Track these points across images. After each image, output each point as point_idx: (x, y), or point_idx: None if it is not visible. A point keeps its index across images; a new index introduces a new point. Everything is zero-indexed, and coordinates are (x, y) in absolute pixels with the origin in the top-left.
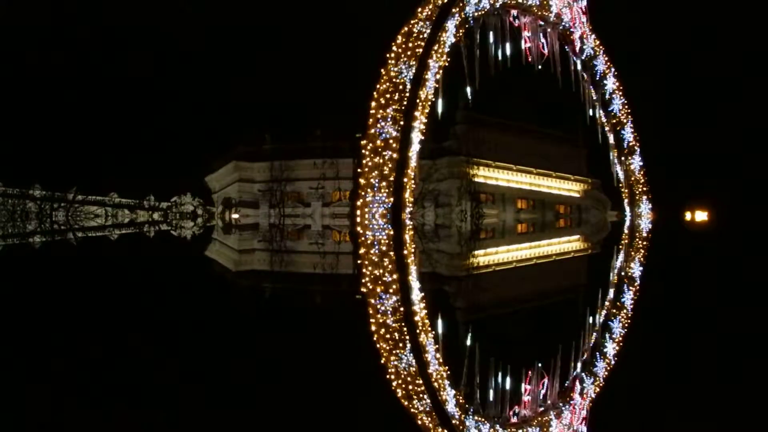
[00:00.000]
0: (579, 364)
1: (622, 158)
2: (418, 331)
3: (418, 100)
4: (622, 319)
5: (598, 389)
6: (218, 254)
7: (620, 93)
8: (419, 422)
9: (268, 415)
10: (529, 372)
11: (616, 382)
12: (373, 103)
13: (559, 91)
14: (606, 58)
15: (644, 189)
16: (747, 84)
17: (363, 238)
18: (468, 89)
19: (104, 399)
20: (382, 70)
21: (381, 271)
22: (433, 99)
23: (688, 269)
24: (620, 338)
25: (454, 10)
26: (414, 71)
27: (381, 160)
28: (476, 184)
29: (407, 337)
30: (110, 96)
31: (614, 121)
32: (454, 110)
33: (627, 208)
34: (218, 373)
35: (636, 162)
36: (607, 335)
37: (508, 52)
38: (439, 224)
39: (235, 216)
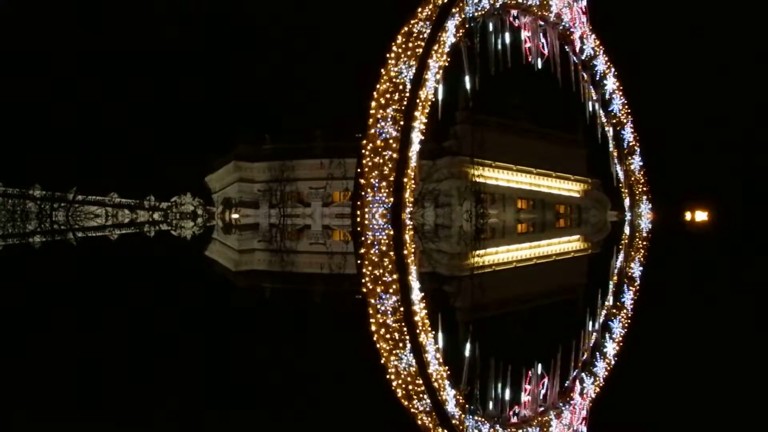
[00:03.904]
0: (579, 364)
1: (622, 158)
2: (418, 331)
3: (418, 100)
4: (622, 319)
5: (598, 389)
6: (218, 254)
7: (620, 93)
8: (419, 422)
9: (268, 415)
10: (529, 372)
11: (616, 382)
12: (373, 103)
13: (559, 91)
14: (606, 58)
15: (644, 189)
16: (747, 83)
17: (363, 238)
18: (468, 89)
19: (104, 399)
20: (382, 70)
21: (381, 271)
22: (433, 99)
23: (688, 269)
24: (620, 338)
25: (454, 10)
26: (414, 71)
27: (381, 160)
28: (478, 185)
29: (407, 337)
30: (110, 96)
31: (614, 121)
32: (454, 110)
33: (627, 208)
34: (218, 373)
35: (636, 162)
36: (607, 335)
37: (508, 52)
38: (439, 224)
39: (235, 216)
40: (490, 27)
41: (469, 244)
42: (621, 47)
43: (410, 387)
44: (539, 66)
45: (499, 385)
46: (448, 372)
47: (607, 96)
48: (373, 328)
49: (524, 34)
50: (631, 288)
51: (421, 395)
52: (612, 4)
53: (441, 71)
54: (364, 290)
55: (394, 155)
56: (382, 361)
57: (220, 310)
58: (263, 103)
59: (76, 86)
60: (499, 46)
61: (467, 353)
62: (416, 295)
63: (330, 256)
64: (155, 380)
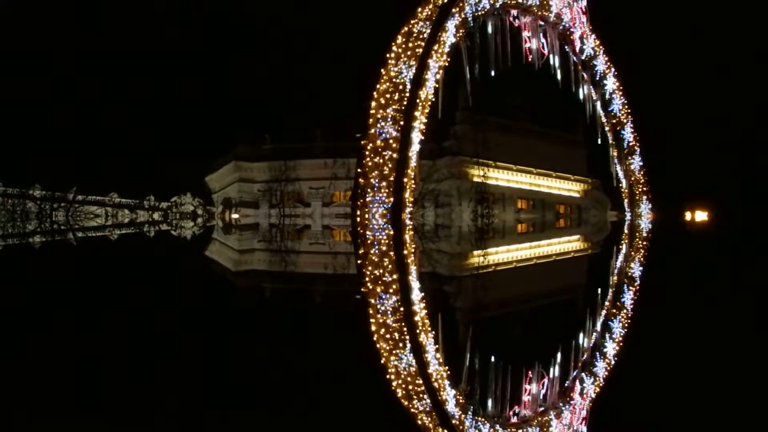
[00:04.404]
0: (579, 364)
1: (622, 158)
2: (418, 331)
3: (418, 100)
4: (622, 319)
5: (598, 389)
6: (218, 254)
7: (620, 93)
8: (419, 422)
9: (268, 415)
10: (529, 372)
11: (616, 382)
12: (373, 103)
13: (559, 91)
14: (606, 58)
15: (644, 189)
16: (747, 83)
17: (363, 238)
18: (468, 89)
19: (104, 399)
20: (382, 70)
21: (381, 271)
22: (433, 99)
23: (688, 269)
24: (620, 338)
25: (454, 10)
26: (414, 71)
27: (381, 160)
28: (480, 185)
29: (407, 337)
30: (110, 96)
31: (614, 121)
32: (454, 110)
33: (627, 208)
34: (218, 373)
35: (636, 162)
36: (607, 335)
37: (508, 52)
38: (439, 224)
39: (235, 216)
40: (491, 27)
41: (474, 244)
42: (621, 47)
43: (410, 387)
44: (539, 66)
45: (499, 385)
46: (448, 372)
47: (607, 96)
48: (373, 328)
49: (524, 34)
50: (631, 288)
51: (421, 395)
52: (612, 4)
53: (441, 71)
54: (364, 290)
55: (394, 155)
56: (382, 361)
57: (220, 310)
58: (263, 103)
59: (76, 86)
60: (499, 46)
61: (467, 353)
62: (416, 295)
63: (333, 257)
64: (155, 380)
